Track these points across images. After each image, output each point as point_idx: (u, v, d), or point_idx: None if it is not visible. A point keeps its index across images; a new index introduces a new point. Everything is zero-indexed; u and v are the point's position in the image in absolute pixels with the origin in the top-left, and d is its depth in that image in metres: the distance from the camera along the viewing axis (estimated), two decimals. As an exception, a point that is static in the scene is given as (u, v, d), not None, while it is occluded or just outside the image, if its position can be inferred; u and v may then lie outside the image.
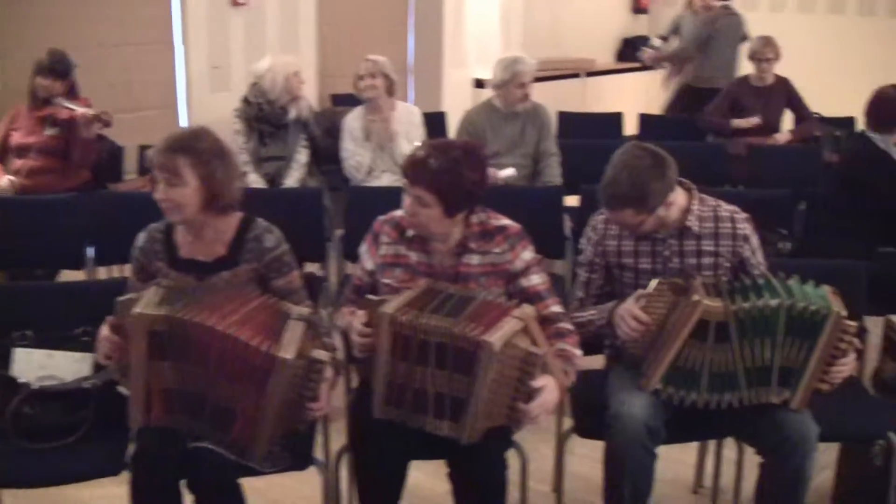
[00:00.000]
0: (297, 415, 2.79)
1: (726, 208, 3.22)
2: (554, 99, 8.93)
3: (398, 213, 3.10)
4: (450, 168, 2.89)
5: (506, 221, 3.09)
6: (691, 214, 3.15)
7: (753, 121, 6.47)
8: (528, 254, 3.06)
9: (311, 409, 2.80)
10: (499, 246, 3.04)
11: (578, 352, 3.00)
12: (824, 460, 3.62)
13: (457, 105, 7.39)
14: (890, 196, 4.33)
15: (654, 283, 3.01)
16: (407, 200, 2.98)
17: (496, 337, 2.65)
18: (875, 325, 3.76)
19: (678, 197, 3.13)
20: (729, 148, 6.20)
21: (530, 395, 2.74)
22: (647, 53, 8.14)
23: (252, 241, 3.04)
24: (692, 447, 3.80)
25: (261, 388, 2.67)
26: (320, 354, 2.74)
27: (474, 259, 3.03)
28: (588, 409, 3.21)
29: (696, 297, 2.89)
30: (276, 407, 2.71)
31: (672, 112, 7.80)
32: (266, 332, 2.70)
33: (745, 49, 6.97)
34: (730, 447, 3.54)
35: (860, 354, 3.44)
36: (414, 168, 2.94)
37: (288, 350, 2.65)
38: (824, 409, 3.02)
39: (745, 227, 3.20)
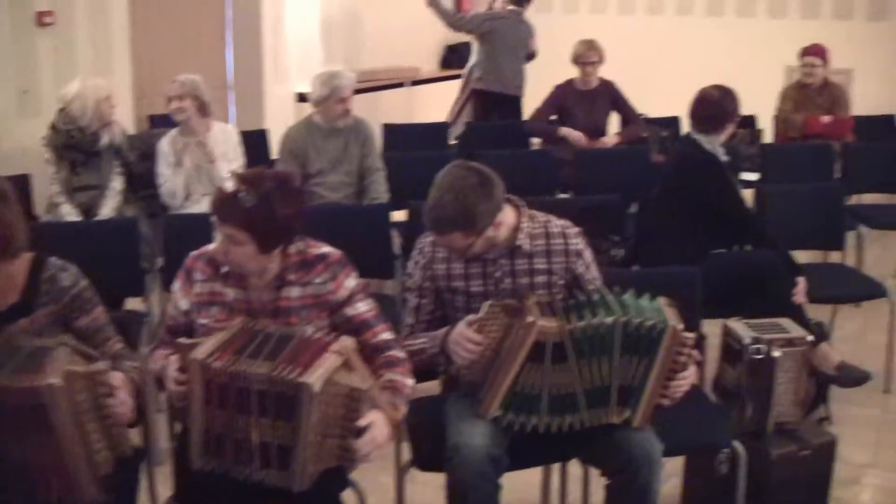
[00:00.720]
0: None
1: (557, 223, 3.14)
2: (379, 110, 8.86)
3: (211, 247, 2.89)
4: (261, 204, 2.69)
5: (326, 249, 2.92)
6: (521, 233, 3.06)
7: (579, 135, 6.45)
8: (351, 281, 2.90)
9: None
10: (320, 275, 2.86)
11: (410, 381, 2.86)
12: (671, 468, 3.63)
13: (280, 121, 7.21)
14: (719, 197, 4.34)
15: (486, 305, 2.90)
16: (218, 238, 2.78)
17: (315, 377, 2.47)
18: (715, 328, 3.76)
19: (507, 215, 3.03)
20: (555, 153, 6.19)
21: (359, 432, 2.58)
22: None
23: (46, 282, 2.80)
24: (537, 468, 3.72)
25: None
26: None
27: (294, 292, 2.85)
28: (426, 440, 3.08)
29: (530, 319, 2.78)
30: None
31: (454, 118, 7.87)
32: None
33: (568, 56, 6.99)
34: (575, 464, 3.47)
35: (700, 363, 3.43)
36: (223, 205, 2.74)
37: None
38: (668, 422, 2.96)
39: (578, 243, 3.12)
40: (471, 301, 3.06)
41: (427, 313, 3.17)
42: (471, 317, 2.91)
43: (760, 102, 7.35)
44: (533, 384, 2.84)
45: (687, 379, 2.88)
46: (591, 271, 3.13)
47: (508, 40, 7.54)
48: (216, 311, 2.85)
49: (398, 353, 2.90)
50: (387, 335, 2.91)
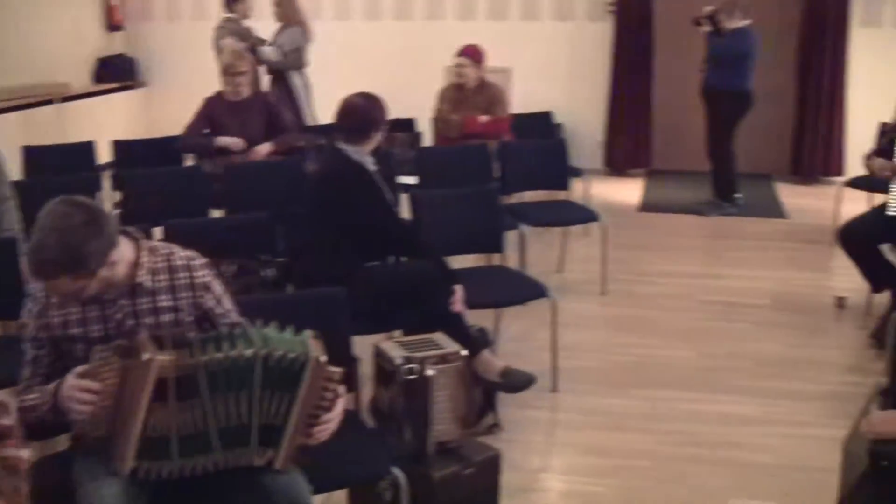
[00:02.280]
0: None
1: (181, 255, 2.91)
2: (25, 131, 8.29)
3: None
4: None
5: None
6: (142, 269, 2.81)
7: (237, 141, 6.25)
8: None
9: None
10: None
11: (25, 452, 2.55)
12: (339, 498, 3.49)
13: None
14: (368, 209, 4.25)
15: (96, 351, 2.65)
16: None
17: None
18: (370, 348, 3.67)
19: (124, 251, 2.77)
20: (205, 169, 5.95)
21: None
22: None
23: None
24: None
25: None
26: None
27: None
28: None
29: (146, 356, 2.55)
30: None
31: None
32: None
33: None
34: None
35: (353, 386, 3.32)
36: None
37: None
38: (323, 455, 2.79)
39: (205, 275, 2.91)
40: (91, 348, 2.79)
41: (45, 366, 2.86)
42: (79, 368, 2.65)
43: (420, 105, 7.44)
44: (163, 426, 2.62)
45: (333, 420, 2.74)
46: (222, 304, 2.93)
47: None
48: None
49: (6, 421, 2.58)
50: None
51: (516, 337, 5.37)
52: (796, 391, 4.81)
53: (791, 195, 9.27)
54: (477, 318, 4.50)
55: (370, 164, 4.36)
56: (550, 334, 4.82)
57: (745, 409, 4.63)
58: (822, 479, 3.52)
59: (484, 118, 6.90)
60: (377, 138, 4.43)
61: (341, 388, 2.75)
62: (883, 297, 5.58)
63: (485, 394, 4.24)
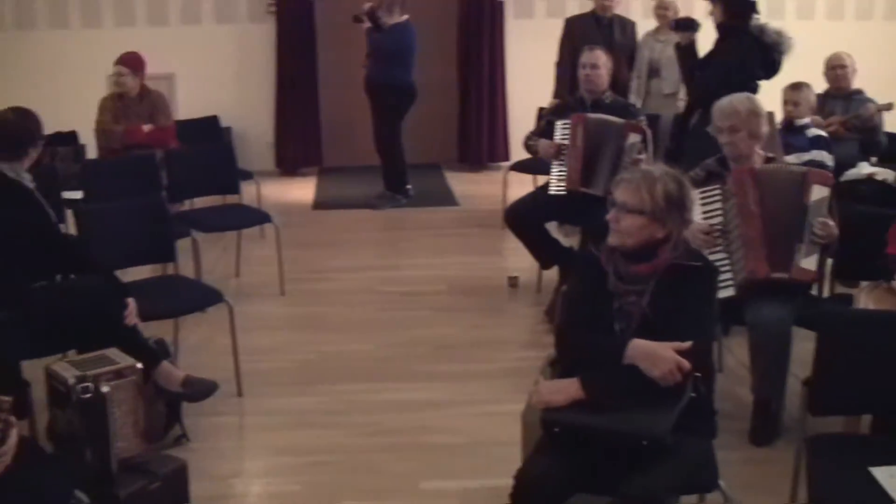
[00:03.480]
0: None
1: None
2: None
3: None
4: None
5: None
6: None
7: None
8: None
9: None
10: None
11: None
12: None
13: None
14: (30, 227, 4.11)
15: None
16: None
17: None
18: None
19: None
20: None
21: None
22: None
23: None
24: None
25: None
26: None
27: None
28: None
29: None
30: None
31: None
32: None
33: None
34: None
35: (26, 412, 3.24)
36: None
37: None
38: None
39: None
40: None
41: None
42: None
43: (83, 116, 7.21)
44: None
45: (6, 453, 2.66)
46: None
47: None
48: None
49: None
50: None
51: (197, 345, 5.35)
52: (477, 371, 5.07)
53: (461, 183, 9.70)
54: (156, 330, 4.47)
55: (28, 180, 4.23)
56: (231, 339, 4.85)
57: (430, 393, 4.82)
58: (507, 453, 3.71)
59: (147, 127, 6.79)
60: (34, 154, 4.30)
61: (12, 418, 2.68)
62: (552, 273, 5.97)
63: (168, 406, 4.22)
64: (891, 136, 6.87)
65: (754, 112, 4.50)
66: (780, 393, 4.29)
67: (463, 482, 3.98)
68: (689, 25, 6.58)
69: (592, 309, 3.14)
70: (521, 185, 7.45)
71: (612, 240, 3.14)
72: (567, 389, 2.99)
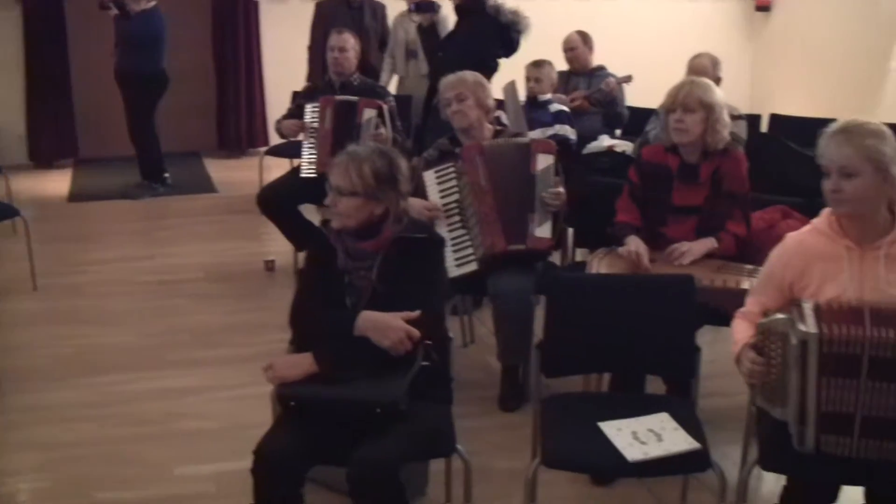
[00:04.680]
0: None
1: None
2: None
3: None
4: None
5: None
6: None
7: None
8: None
9: None
10: None
11: None
12: None
13: None
14: None
15: None
16: None
17: None
18: None
19: None
20: None
21: None
22: None
23: None
24: None
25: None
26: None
27: None
28: None
29: None
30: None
31: None
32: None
33: None
34: None
35: None
36: None
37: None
38: None
39: None
40: None
41: None
42: None
43: None
44: None
45: None
46: None
47: None
48: None
49: None
50: None
51: None
52: (234, 356, 5.09)
53: (220, 169, 9.66)
54: None
55: None
56: None
57: (187, 380, 4.83)
58: (261, 434, 3.78)
59: None
60: None
61: None
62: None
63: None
64: (632, 109, 7.22)
65: (480, 83, 4.67)
66: (525, 360, 4.44)
67: (217, 465, 4.01)
68: (428, 7, 6.76)
69: (324, 286, 3.22)
70: (280, 170, 7.40)
71: (335, 223, 3.22)
72: (301, 364, 3.06)
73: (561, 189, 4.47)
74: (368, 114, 5.80)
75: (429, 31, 6.71)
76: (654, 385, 4.14)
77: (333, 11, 7.94)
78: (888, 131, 2.93)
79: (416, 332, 3.04)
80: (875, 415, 2.72)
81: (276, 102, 9.59)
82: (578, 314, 3.47)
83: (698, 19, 11.11)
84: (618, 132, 7.09)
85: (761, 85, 11.39)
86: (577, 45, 7.29)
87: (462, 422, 4.41)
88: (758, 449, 3.14)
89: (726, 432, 4.15)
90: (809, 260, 2.98)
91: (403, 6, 8.23)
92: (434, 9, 6.70)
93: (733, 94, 9.60)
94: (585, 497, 3.84)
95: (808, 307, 2.77)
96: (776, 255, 3.09)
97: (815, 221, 3.05)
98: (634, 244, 4.13)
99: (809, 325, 2.72)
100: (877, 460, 2.78)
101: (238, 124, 10.23)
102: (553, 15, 8.31)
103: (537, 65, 6.46)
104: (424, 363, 3.11)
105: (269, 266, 6.44)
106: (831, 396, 2.74)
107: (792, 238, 3.08)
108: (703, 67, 5.80)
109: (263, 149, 9.47)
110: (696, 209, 4.20)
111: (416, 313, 3.07)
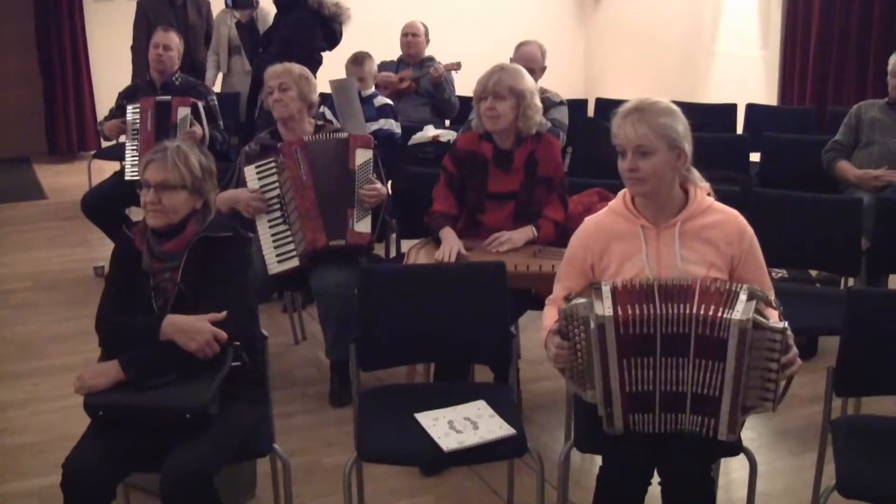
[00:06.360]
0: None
1: None
2: None
3: None
4: None
5: None
6: None
7: None
8: None
9: None
10: None
11: None
12: None
13: None
14: None
15: None
16: None
17: None
18: None
19: None
20: None
21: None
22: None
23: None
24: None
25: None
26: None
27: None
28: None
29: None
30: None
31: None
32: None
33: None
34: None
35: None
36: None
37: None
38: None
39: None
40: None
41: None
42: None
43: None
44: None
45: None
46: None
47: None
48: None
49: None
50: None
51: None
52: (60, 366, 4.94)
53: (50, 175, 9.36)
54: None
55: None
56: None
57: (10, 393, 4.68)
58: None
59: None
60: None
61: None
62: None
63: None
64: (462, 98, 7.27)
65: (306, 77, 4.65)
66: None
67: (40, 480, 3.89)
68: (246, 3, 6.68)
69: (130, 290, 3.14)
70: (110, 173, 7.28)
71: (156, 221, 3.12)
72: (108, 372, 2.98)
73: (378, 185, 4.48)
74: (182, 112, 5.71)
75: (248, 28, 6.63)
76: (484, 373, 4.18)
77: (156, 9, 7.76)
78: (678, 110, 3.01)
79: (222, 334, 3.00)
80: (669, 389, 2.79)
81: (107, 104, 9.17)
82: (393, 306, 3.47)
83: (530, 6, 11.25)
84: (447, 122, 7.14)
85: (594, 70, 11.62)
86: (420, 33, 7.32)
87: (294, 419, 4.43)
88: (574, 430, 3.21)
89: (556, 415, 4.22)
90: (608, 241, 3.04)
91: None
92: (252, 4, 6.62)
93: (567, 79, 9.87)
94: (416, 488, 3.86)
95: (606, 289, 2.81)
96: (576, 238, 3.14)
97: (612, 203, 3.11)
98: (448, 244, 4.15)
99: (606, 308, 2.76)
100: (671, 433, 2.85)
101: (68, 127, 9.92)
102: (377, 4, 8.29)
103: (358, 62, 6.37)
104: (235, 364, 3.07)
105: (99, 272, 6.29)
106: (633, 377, 2.79)
107: (590, 220, 3.13)
108: (533, 55, 5.85)
109: (93, 152, 9.23)
110: (512, 195, 4.25)
111: (223, 314, 3.02)
